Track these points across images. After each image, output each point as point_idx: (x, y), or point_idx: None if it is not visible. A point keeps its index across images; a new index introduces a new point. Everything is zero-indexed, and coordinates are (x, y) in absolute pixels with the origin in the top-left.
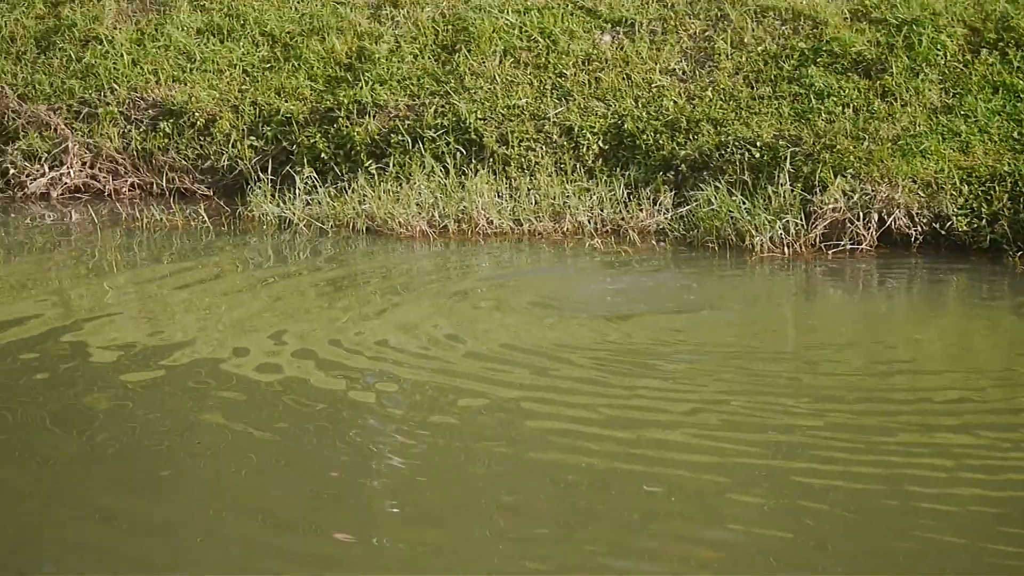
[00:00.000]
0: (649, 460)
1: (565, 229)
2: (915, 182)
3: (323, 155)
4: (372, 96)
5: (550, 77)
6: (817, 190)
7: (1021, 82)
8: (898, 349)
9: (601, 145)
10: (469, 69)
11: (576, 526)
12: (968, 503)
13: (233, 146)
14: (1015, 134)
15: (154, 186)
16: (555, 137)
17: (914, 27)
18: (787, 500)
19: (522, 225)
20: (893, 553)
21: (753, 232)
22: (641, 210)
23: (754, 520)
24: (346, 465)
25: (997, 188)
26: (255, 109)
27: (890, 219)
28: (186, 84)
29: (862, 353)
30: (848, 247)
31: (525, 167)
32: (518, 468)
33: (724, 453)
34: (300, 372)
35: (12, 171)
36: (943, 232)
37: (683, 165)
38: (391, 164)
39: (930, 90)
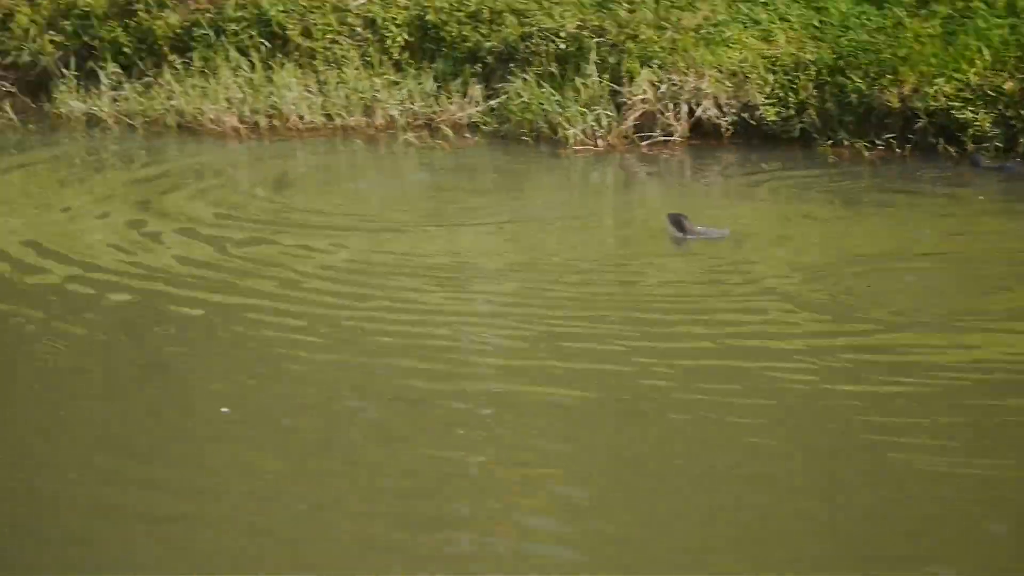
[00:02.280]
0: None
1: (377, 124)
2: (720, 72)
3: (126, 50)
4: None
5: None
6: (625, 81)
7: None
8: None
9: (407, 37)
10: None
11: None
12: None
13: (33, 41)
14: (815, 21)
15: None
16: (359, 29)
17: None
18: None
19: (334, 120)
20: None
21: (565, 125)
22: (452, 103)
23: None
24: None
25: (802, 77)
26: (54, 3)
27: (699, 109)
28: None
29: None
30: (661, 138)
31: (331, 61)
32: None
33: None
34: None
35: None
36: (753, 122)
37: (489, 57)
38: (195, 58)
39: None
